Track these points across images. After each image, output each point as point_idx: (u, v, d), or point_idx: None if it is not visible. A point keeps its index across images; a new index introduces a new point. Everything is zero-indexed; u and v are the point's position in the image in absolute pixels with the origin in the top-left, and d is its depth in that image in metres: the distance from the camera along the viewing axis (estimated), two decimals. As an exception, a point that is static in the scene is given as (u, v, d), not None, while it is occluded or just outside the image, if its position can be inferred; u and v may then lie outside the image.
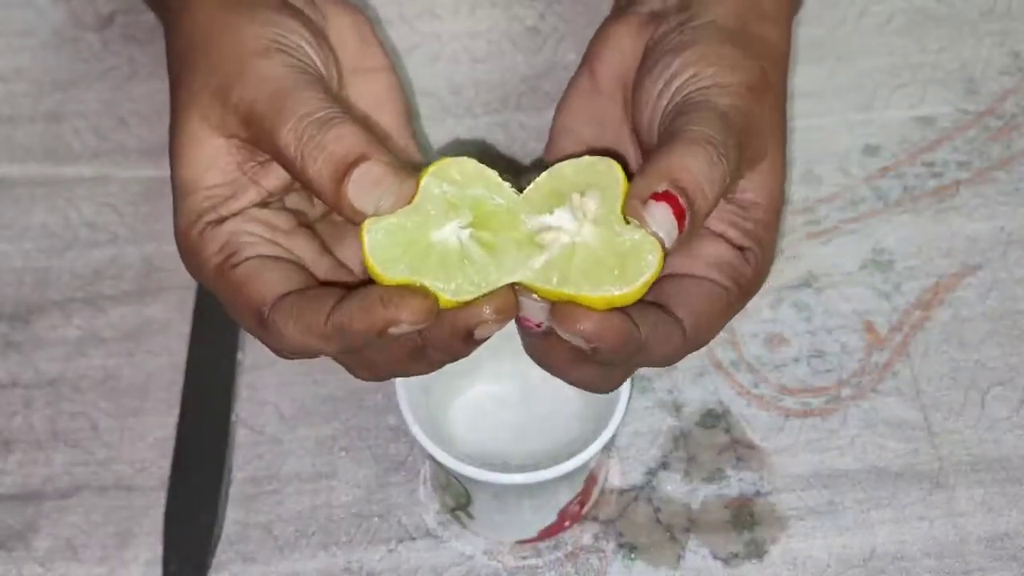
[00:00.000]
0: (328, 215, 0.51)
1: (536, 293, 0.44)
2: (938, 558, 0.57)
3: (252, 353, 0.63)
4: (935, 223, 0.67)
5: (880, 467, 0.60)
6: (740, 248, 0.49)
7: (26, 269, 0.66)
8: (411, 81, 0.72)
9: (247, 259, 0.47)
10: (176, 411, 0.61)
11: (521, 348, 0.57)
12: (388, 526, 0.59)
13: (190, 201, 0.48)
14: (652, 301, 0.47)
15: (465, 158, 0.45)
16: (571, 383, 0.49)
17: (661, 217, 0.44)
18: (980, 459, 0.60)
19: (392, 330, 0.44)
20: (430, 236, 0.44)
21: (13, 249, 0.67)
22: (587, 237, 0.44)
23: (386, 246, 0.44)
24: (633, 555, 0.58)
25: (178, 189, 0.48)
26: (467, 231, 0.45)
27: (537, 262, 0.44)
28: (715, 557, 0.58)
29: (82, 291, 0.65)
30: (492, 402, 0.58)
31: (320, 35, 0.50)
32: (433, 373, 0.55)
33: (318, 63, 0.49)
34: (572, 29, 0.74)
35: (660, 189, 0.44)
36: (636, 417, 0.61)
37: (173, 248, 0.65)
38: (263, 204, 0.49)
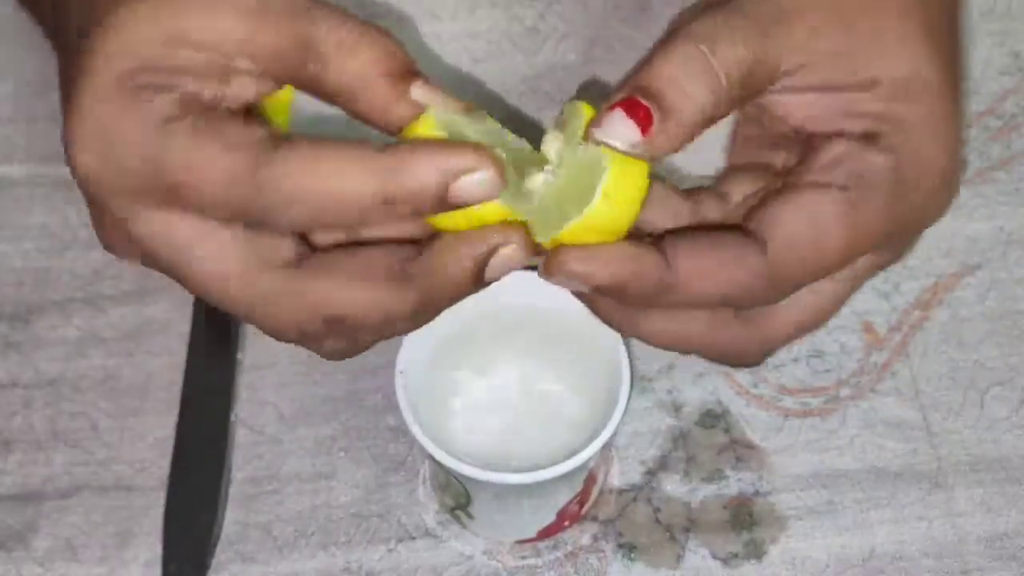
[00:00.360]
0: None
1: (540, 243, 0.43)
2: (937, 558, 0.57)
3: (252, 353, 0.63)
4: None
5: (879, 467, 0.60)
6: (866, 137, 0.42)
7: (26, 269, 0.66)
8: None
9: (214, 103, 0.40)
10: (176, 411, 0.61)
11: (520, 347, 0.57)
12: (387, 526, 0.59)
13: (146, 32, 0.40)
14: (735, 228, 0.42)
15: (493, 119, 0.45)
16: (669, 347, 0.45)
17: (609, 124, 0.40)
18: (979, 459, 0.60)
19: (462, 182, 0.38)
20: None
21: (13, 249, 0.67)
22: (556, 178, 0.42)
23: (443, 127, 0.42)
24: (632, 555, 0.58)
25: (123, 23, 0.40)
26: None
27: (527, 215, 0.43)
28: (714, 557, 0.58)
29: (82, 291, 0.65)
30: (491, 401, 0.58)
31: None
32: (432, 372, 0.55)
33: None
34: (572, 29, 0.74)
35: (616, 99, 0.41)
36: (635, 417, 0.61)
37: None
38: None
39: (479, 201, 0.39)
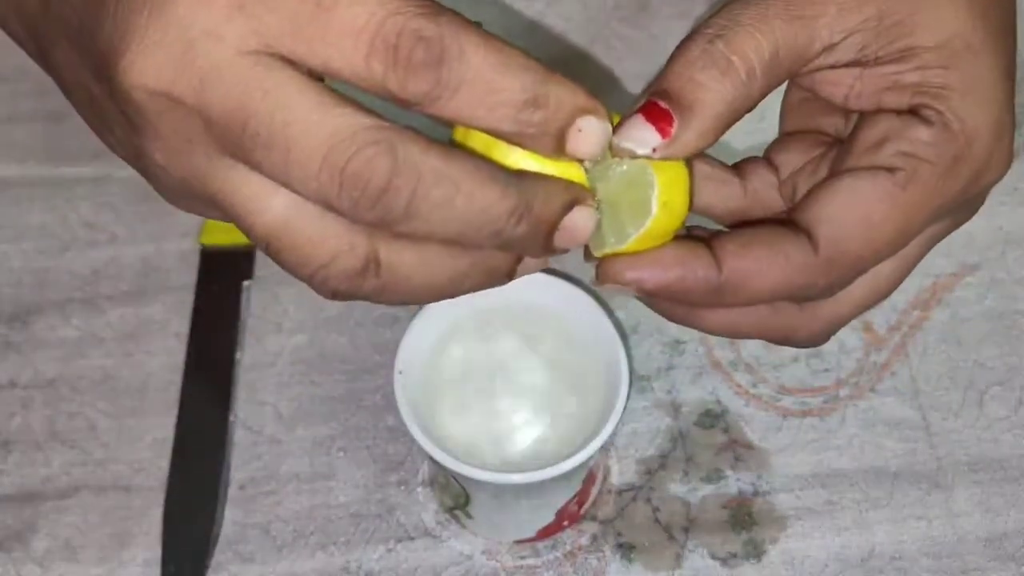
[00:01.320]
0: None
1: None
2: (936, 558, 0.57)
3: (251, 353, 0.63)
4: (934, 222, 0.66)
5: (878, 467, 0.60)
6: (910, 111, 0.41)
7: (25, 269, 0.66)
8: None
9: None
10: (174, 411, 0.61)
11: (519, 347, 0.57)
12: (386, 526, 0.59)
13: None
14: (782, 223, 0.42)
15: None
16: (732, 337, 0.44)
17: (629, 130, 0.40)
18: (978, 459, 0.60)
19: (585, 118, 0.37)
20: None
21: (12, 249, 0.67)
22: (601, 194, 0.41)
23: None
24: (631, 555, 0.58)
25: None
26: None
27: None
28: (713, 557, 0.58)
29: (81, 291, 0.65)
30: (490, 401, 0.58)
31: None
32: (431, 372, 0.55)
33: None
34: (571, 28, 0.74)
35: (638, 105, 0.40)
36: (634, 417, 0.61)
37: (172, 248, 0.66)
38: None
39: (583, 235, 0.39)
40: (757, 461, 0.60)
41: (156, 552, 0.58)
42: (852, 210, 0.41)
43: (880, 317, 0.64)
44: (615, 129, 0.40)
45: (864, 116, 0.43)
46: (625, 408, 0.53)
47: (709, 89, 0.40)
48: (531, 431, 0.57)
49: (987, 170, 0.42)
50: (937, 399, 0.61)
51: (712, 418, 0.61)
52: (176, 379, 0.62)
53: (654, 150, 0.40)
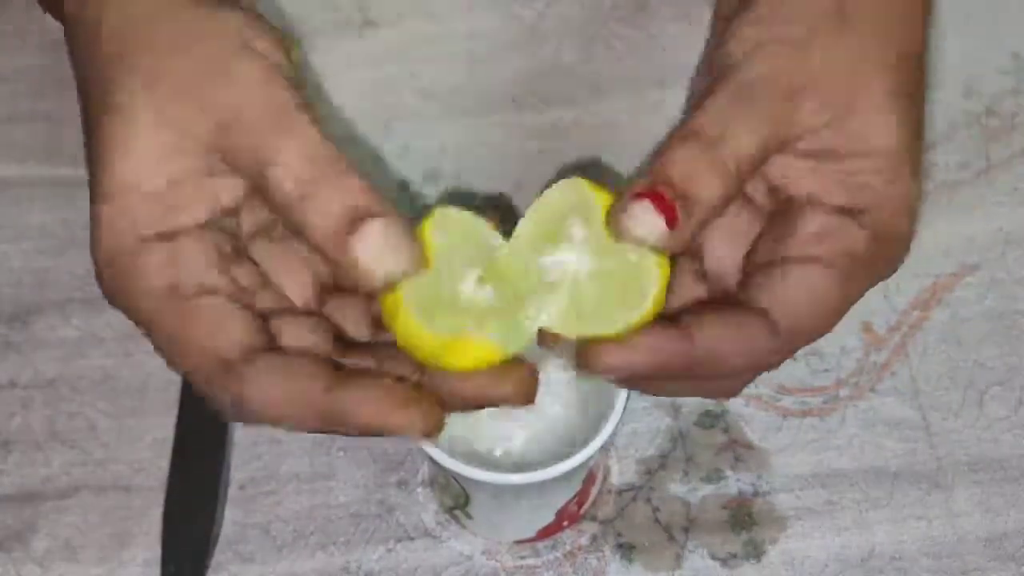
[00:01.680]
0: (261, 234, 0.46)
1: (564, 337, 0.43)
2: (936, 558, 0.57)
3: (251, 353, 0.63)
4: (933, 223, 0.66)
5: (878, 467, 0.60)
6: (851, 212, 0.44)
7: (24, 269, 0.66)
8: (410, 81, 0.72)
9: (200, 294, 0.42)
10: (174, 411, 0.61)
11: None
12: (386, 526, 0.59)
13: (128, 205, 0.42)
14: (737, 300, 0.45)
15: (453, 209, 0.43)
16: (673, 395, 0.48)
17: (639, 215, 0.41)
18: (978, 459, 0.60)
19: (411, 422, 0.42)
20: (457, 291, 0.43)
21: (11, 249, 0.67)
22: (585, 269, 0.43)
23: (420, 303, 0.42)
24: (631, 555, 0.58)
25: (107, 191, 0.43)
26: (487, 286, 0.43)
27: (555, 307, 0.43)
28: (713, 557, 0.58)
29: (80, 291, 0.65)
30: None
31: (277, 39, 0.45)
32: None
33: (286, 69, 0.44)
34: (571, 29, 0.74)
35: (640, 190, 0.42)
36: (634, 417, 0.61)
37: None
38: (207, 224, 0.43)
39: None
40: (757, 461, 0.60)
41: (156, 552, 0.58)
42: (804, 297, 0.44)
43: (880, 317, 0.64)
44: (615, 207, 0.42)
45: (801, 207, 0.45)
46: (625, 408, 0.53)
47: (706, 185, 0.42)
48: (531, 431, 0.57)
49: (900, 260, 0.46)
50: (937, 399, 0.62)
51: (712, 418, 0.61)
52: (176, 379, 0.62)
53: (658, 239, 0.42)
